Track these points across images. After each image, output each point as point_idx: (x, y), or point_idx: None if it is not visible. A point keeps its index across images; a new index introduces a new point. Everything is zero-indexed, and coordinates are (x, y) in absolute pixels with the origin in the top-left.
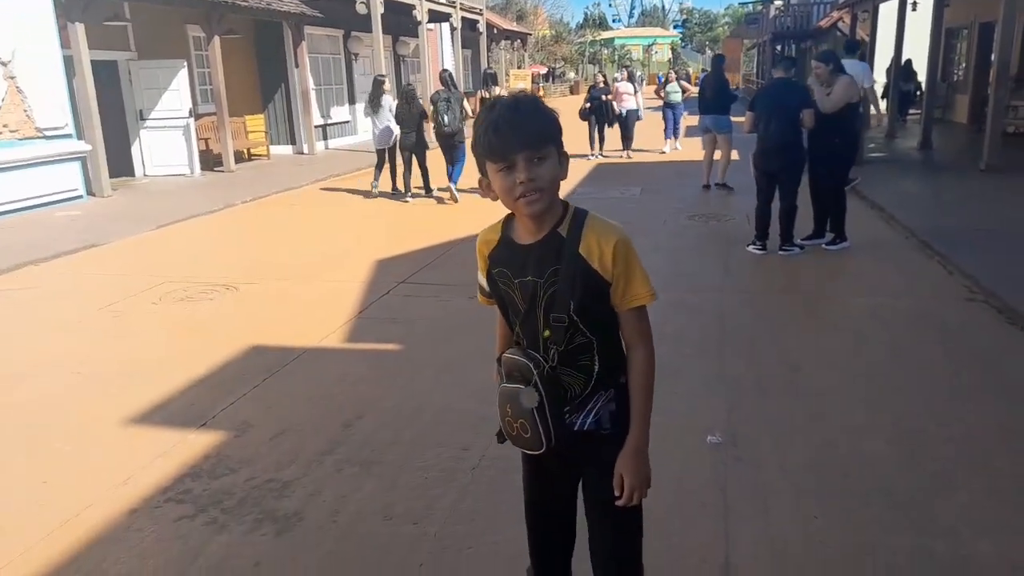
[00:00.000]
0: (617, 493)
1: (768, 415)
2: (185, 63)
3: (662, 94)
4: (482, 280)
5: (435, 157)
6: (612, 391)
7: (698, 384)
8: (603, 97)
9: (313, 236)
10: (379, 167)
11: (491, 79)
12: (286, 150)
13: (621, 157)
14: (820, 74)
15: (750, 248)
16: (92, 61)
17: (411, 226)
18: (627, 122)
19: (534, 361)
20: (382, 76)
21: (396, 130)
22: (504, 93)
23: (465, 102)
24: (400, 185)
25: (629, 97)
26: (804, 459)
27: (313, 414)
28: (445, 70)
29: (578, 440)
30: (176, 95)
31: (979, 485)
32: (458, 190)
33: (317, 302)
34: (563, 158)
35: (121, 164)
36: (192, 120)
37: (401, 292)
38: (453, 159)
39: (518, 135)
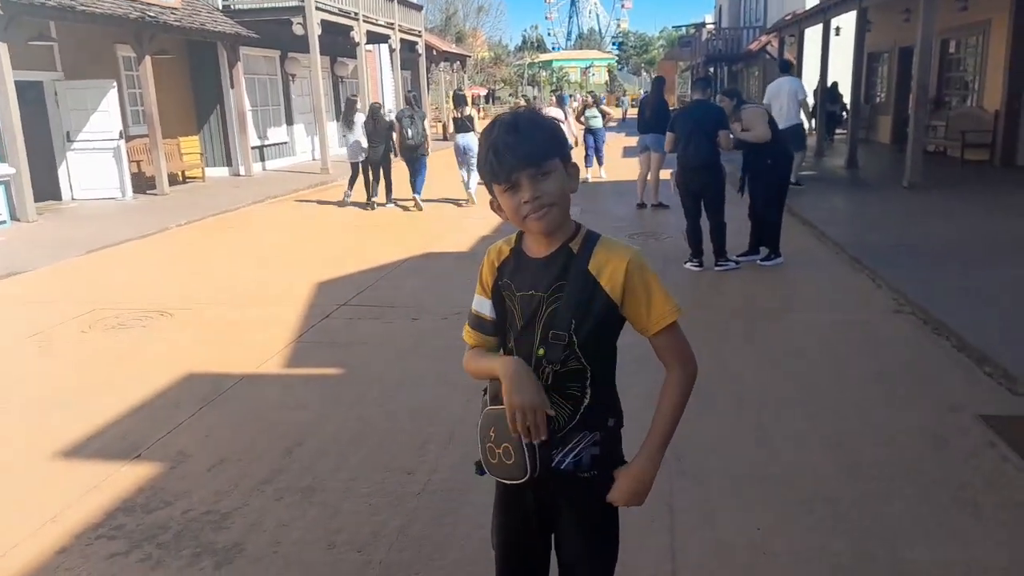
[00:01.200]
0: (611, 496)
1: (711, 428)
2: (115, 83)
3: (581, 120)
4: (480, 305)
5: (398, 171)
6: (598, 434)
7: (640, 400)
8: None
9: (250, 259)
10: (352, 179)
11: (460, 100)
12: (222, 172)
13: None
14: (724, 106)
15: (687, 265)
16: (16, 82)
17: (352, 248)
18: None
19: None
20: (354, 96)
21: (365, 144)
22: (471, 112)
23: (426, 121)
24: (380, 196)
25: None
26: (747, 470)
27: (252, 442)
28: (411, 91)
29: (554, 480)
30: (106, 116)
31: (914, 492)
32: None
33: (255, 327)
34: (571, 169)
35: (47, 187)
36: (123, 142)
37: (343, 315)
38: (415, 171)
39: (517, 155)
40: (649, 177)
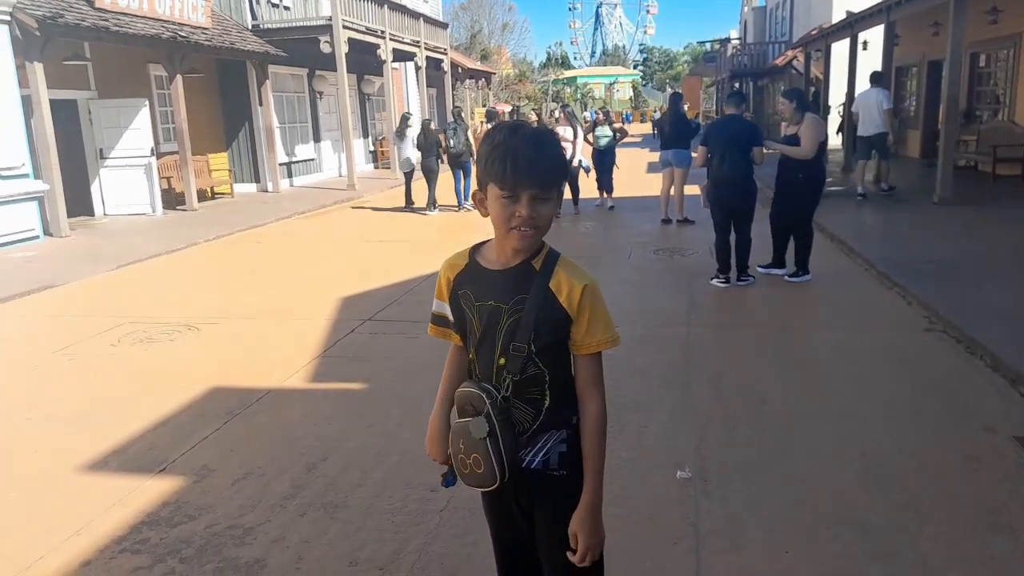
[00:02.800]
0: (572, 554)
1: (736, 449)
2: (147, 102)
3: (590, 139)
4: (441, 307)
5: (442, 180)
6: (564, 431)
7: (666, 418)
8: None
9: (277, 275)
10: (408, 189)
11: (492, 115)
12: (250, 188)
13: (574, 212)
14: (784, 111)
15: (714, 281)
16: (51, 100)
17: (376, 263)
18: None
19: (486, 391)
20: (408, 113)
21: (416, 156)
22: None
23: (469, 132)
24: (420, 202)
25: (567, 144)
26: (773, 492)
27: (276, 457)
28: (457, 106)
29: (527, 479)
30: (138, 134)
31: (946, 515)
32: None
33: (280, 342)
34: (560, 198)
35: (80, 204)
36: (154, 159)
37: (367, 330)
38: (458, 178)
39: (533, 173)
40: (673, 192)
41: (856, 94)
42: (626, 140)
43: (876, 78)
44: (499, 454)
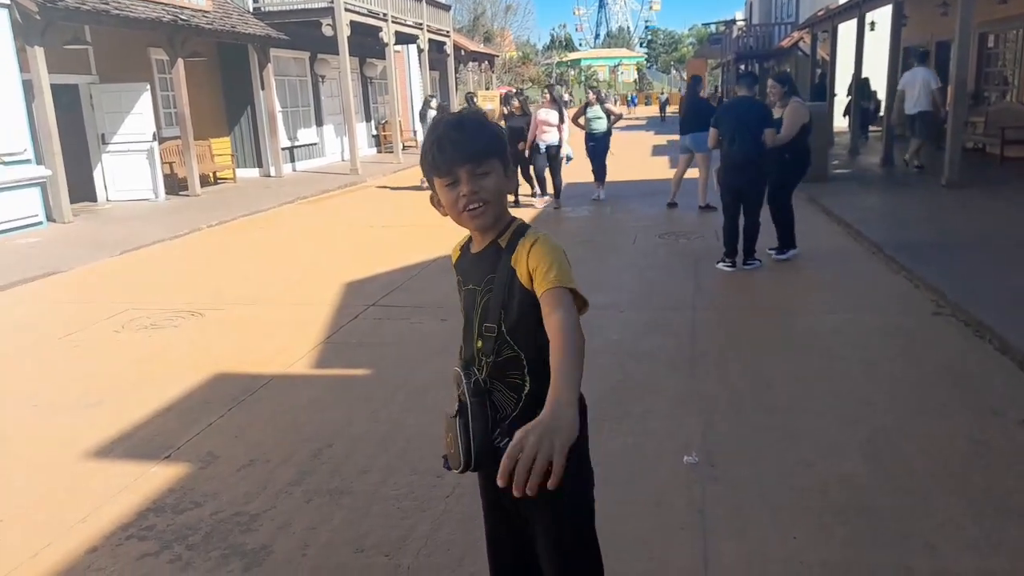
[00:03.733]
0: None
1: (743, 434)
2: (148, 86)
3: (581, 122)
4: None
5: None
6: None
7: (672, 403)
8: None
9: (281, 260)
10: None
11: (508, 100)
12: (253, 173)
13: (554, 206)
14: (775, 93)
15: (720, 265)
16: (52, 85)
17: (381, 248)
18: (551, 163)
19: (466, 372)
20: (431, 95)
21: None
22: (517, 106)
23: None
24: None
25: (550, 129)
26: (780, 477)
27: (281, 443)
28: (470, 93)
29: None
30: (139, 118)
31: (955, 500)
32: None
33: (285, 327)
34: (509, 171)
35: (83, 189)
36: (156, 144)
37: (371, 315)
38: None
39: (460, 151)
40: (698, 178)
41: (903, 73)
42: (631, 123)
43: (922, 57)
44: (466, 434)
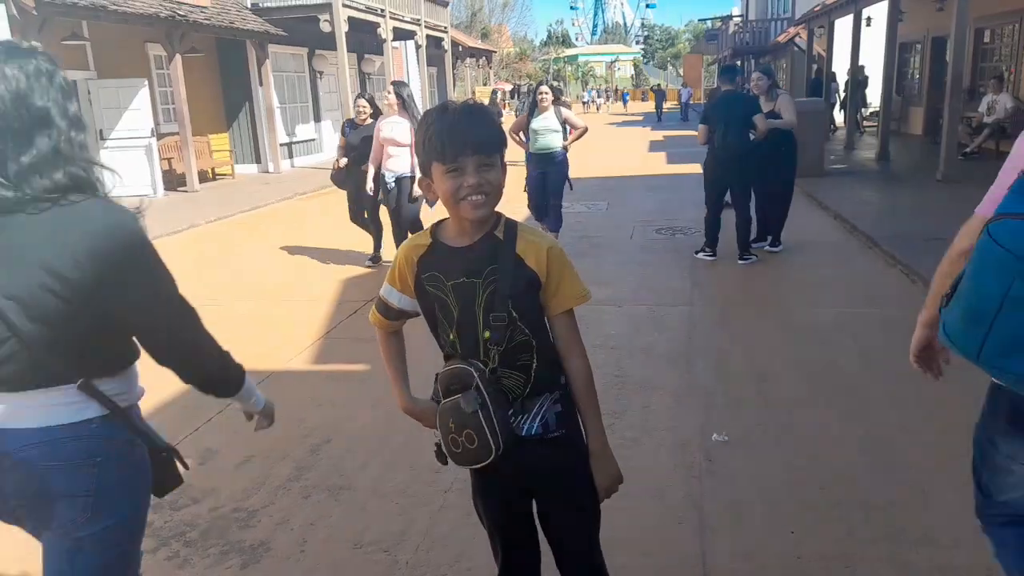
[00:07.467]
0: (600, 494)
1: (740, 428)
2: (146, 82)
3: (517, 138)
4: (389, 294)
5: None
6: (557, 392)
7: (670, 397)
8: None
9: (279, 256)
10: None
11: (515, 93)
12: (251, 169)
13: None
14: (759, 85)
15: (700, 255)
16: None
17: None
18: (399, 206)
19: (473, 365)
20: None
21: None
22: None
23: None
24: None
25: (399, 152)
26: (778, 471)
27: (280, 439)
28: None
29: (526, 448)
30: (137, 114)
31: (953, 494)
32: None
33: (283, 322)
34: (504, 168)
35: None
36: (154, 140)
37: (370, 310)
38: None
39: (472, 139)
40: None
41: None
42: (626, 118)
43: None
44: (491, 424)
